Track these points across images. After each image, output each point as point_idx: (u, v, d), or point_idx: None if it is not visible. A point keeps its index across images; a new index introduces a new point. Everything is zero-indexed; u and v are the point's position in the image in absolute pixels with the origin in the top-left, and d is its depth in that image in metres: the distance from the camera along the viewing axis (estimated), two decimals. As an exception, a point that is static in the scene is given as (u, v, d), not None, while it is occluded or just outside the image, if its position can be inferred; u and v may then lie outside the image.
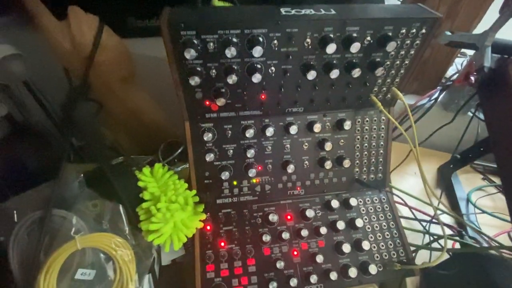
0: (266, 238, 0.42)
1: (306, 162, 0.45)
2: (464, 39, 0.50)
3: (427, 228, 0.55)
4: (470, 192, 0.69)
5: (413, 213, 0.54)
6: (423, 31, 0.36)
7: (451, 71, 0.74)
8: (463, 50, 0.75)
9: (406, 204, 0.52)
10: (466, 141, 0.72)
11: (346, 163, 0.45)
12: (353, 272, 0.41)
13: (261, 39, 0.33)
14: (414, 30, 0.36)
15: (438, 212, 0.59)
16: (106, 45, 0.43)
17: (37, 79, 0.57)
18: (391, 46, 0.35)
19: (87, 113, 0.45)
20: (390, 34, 0.35)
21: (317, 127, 0.43)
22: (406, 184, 0.70)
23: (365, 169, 0.48)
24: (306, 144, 0.45)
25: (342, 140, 0.46)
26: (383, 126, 0.47)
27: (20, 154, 0.78)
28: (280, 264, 0.41)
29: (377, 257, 0.44)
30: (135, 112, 0.54)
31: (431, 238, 0.51)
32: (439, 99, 0.71)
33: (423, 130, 0.66)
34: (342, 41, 0.35)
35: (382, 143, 0.48)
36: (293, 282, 0.40)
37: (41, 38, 0.44)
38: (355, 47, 0.34)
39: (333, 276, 0.41)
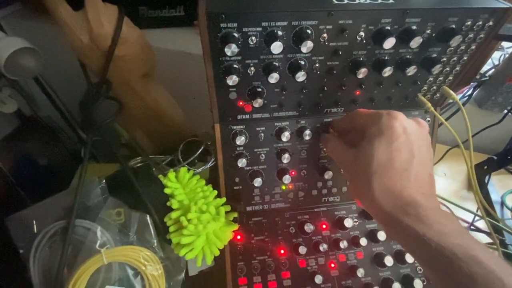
0: (302, 249, 0.39)
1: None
2: (517, 31, 0.46)
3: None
4: (504, 195, 0.65)
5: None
6: (490, 23, 0.32)
7: (486, 66, 0.70)
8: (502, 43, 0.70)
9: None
10: (499, 141, 0.67)
11: (388, 169, 0.41)
12: (396, 287, 0.38)
13: (310, 31, 0.29)
14: (480, 22, 0.31)
15: (476, 218, 0.56)
16: (126, 39, 0.39)
17: (50, 74, 0.54)
18: (455, 40, 0.31)
19: (107, 113, 0.41)
20: (454, 26, 0.31)
21: (358, 130, 0.39)
22: (436, 186, 0.67)
23: (405, 174, 0.44)
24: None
25: (383, 143, 0.42)
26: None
27: (30, 150, 0.75)
28: (318, 279, 0.38)
29: (420, 269, 0.41)
30: (155, 110, 0.50)
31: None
32: (473, 96, 0.66)
33: (456, 129, 0.62)
34: (399, 34, 0.30)
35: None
36: (332, 297, 0.37)
37: (55, 30, 0.41)
38: (415, 42, 0.30)
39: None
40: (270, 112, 0.38)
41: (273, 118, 0.38)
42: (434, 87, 0.39)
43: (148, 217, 0.36)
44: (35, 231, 0.34)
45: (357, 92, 0.37)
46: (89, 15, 0.38)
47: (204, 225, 0.34)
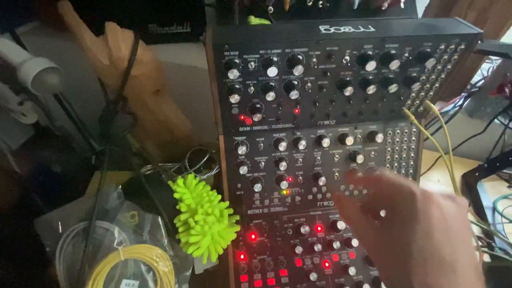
0: (299, 249, 0.43)
1: (337, 174, 0.46)
2: (496, 48, 0.50)
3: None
4: (496, 201, 0.68)
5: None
6: (462, 46, 0.36)
7: (476, 77, 0.73)
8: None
9: None
10: (488, 149, 0.70)
11: (377, 176, 0.45)
12: (386, 285, 0.41)
13: (301, 57, 0.33)
14: (453, 46, 0.35)
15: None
16: (141, 60, 0.44)
17: (71, 91, 0.59)
18: (430, 63, 0.35)
19: (124, 126, 0.46)
20: (428, 50, 0.35)
21: (349, 140, 0.43)
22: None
23: (394, 180, 0.48)
24: (337, 156, 0.45)
25: (373, 152, 0.46)
26: (413, 138, 0.47)
27: (45, 158, 0.80)
28: (313, 276, 0.41)
29: (409, 269, 0.44)
30: (164, 122, 0.55)
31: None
32: (464, 106, 0.70)
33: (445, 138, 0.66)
34: (380, 58, 0.35)
35: (412, 154, 0.48)
36: (325, 293, 0.41)
37: (72, 47, 0.46)
38: (394, 64, 0.34)
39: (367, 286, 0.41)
40: (269, 124, 0.42)
41: (271, 130, 0.43)
42: (417, 102, 0.43)
43: (159, 219, 0.40)
44: (60, 231, 0.38)
45: (347, 107, 0.41)
46: (109, 41, 0.43)
47: (210, 226, 0.38)
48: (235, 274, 0.42)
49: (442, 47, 0.35)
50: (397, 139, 0.46)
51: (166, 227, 0.40)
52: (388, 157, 0.47)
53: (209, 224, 0.38)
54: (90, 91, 0.54)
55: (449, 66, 0.38)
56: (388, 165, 0.47)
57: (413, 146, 0.47)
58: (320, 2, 0.39)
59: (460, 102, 0.70)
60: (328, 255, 0.44)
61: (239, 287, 0.41)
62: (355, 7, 0.41)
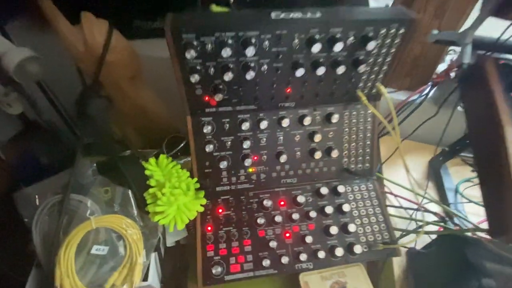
0: (261, 221, 0.47)
1: (298, 152, 0.49)
2: (448, 37, 0.54)
3: (414, 215, 0.58)
4: (459, 183, 0.72)
5: (398, 201, 0.58)
6: (402, 31, 0.40)
7: (441, 68, 0.77)
8: (453, 46, 0.78)
9: (391, 193, 0.56)
10: (457, 134, 0.74)
11: (335, 154, 0.49)
12: (340, 252, 0.45)
13: (253, 40, 0.37)
14: (393, 30, 0.39)
15: (426, 200, 0.63)
16: (115, 47, 0.48)
17: (51, 78, 0.62)
18: (371, 45, 0.39)
19: (99, 108, 0.49)
20: (370, 34, 0.39)
21: (307, 120, 0.47)
22: (398, 177, 0.74)
23: (353, 159, 0.52)
24: (298, 136, 0.49)
25: (331, 133, 0.50)
26: (369, 119, 0.51)
27: (33, 150, 0.83)
28: (273, 244, 0.45)
29: (363, 239, 0.48)
30: (141, 108, 0.58)
31: (416, 224, 0.55)
32: (430, 95, 0.74)
33: (415, 125, 0.70)
34: (326, 41, 0.38)
35: (369, 135, 0.51)
36: (285, 259, 0.44)
37: (56, 41, 0.49)
38: (338, 47, 0.38)
39: (321, 255, 0.45)
40: (233, 106, 0.46)
41: (236, 111, 0.46)
42: (369, 84, 0.46)
43: (130, 192, 0.43)
44: (37, 204, 0.41)
45: (303, 89, 0.45)
46: (84, 29, 0.46)
47: (176, 198, 0.41)
48: (202, 244, 0.45)
49: (383, 31, 0.39)
50: (354, 120, 0.50)
51: (137, 201, 0.43)
52: (346, 137, 0.50)
53: (175, 195, 0.41)
54: (74, 82, 0.57)
55: (393, 50, 0.42)
56: (345, 144, 0.51)
57: (368, 127, 0.51)
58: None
59: (426, 91, 0.75)
60: (289, 226, 0.48)
61: (205, 255, 0.44)
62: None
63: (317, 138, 0.48)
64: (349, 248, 0.46)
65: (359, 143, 0.51)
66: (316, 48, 0.37)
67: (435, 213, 0.58)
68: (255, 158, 0.48)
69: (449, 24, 0.66)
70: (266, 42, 0.37)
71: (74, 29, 0.46)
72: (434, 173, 0.74)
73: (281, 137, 0.48)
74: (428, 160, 0.79)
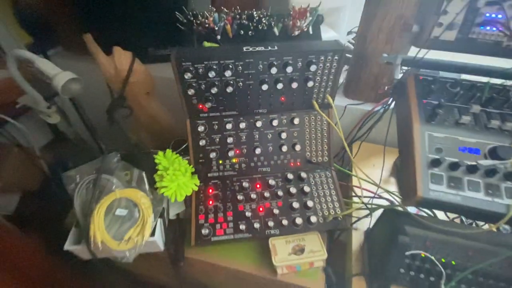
0: (241, 198, 0.61)
1: (270, 147, 0.65)
2: (388, 59, 0.70)
3: (371, 201, 0.72)
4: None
5: (353, 190, 0.72)
6: (336, 57, 0.56)
7: (400, 84, 0.93)
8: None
9: (358, 186, 0.70)
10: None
11: (297, 148, 0.64)
12: (299, 221, 0.59)
13: (230, 66, 0.54)
14: (329, 57, 0.56)
15: (381, 190, 0.76)
16: (136, 70, 0.66)
17: (86, 94, 0.81)
18: (313, 68, 0.55)
19: (123, 115, 0.67)
20: (313, 60, 0.55)
21: (275, 123, 0.63)
22: (367, 173, 0.88)
23: (314, 153, 0.67)
24: (270, 135, 0.65)
25: (295, 132, 0.65)
26: (325, 122, 0.66)
27: (63, 158, 1.01)
28: (248, 215, 0.59)
29: (319, 213, 0.61)
30: (154, 117, 0.75)
31: (371, 207, 0.68)
32: (392, 106, 0.89)
33: (383, 133, 0.84)
34: (281, 65, 0.55)
35: (325, 134, 0.67)
36: (256, 225, 0.58)
37: (85, 65, 0.68)
38: (289, 69, 0.55)
39: (286, 224, 0.59)
40: (220, 111, 0.62)
41: (222, 116, 0.63)
42: (321, 95, 0.62)
43: (143, 174, 0.59)
44: (77, 181, 0.58)
45: (270, 99, 0.61)
46: (115, 58, 0.65)
47: (176, 177, 0.57)
48: (195, 214, 0.60)
49: (323, 58, 0.56)
50: (313, 123, 0.66)
51: (148, 180, 0.59)
52: (307, 135, 0.66)
53: (176, 176, 0.57)
54: (102, 98, 0.75)
55: (333, 70, 0.58)
56: (307, 141, 0.66)
57: (325, 128, 0.66)
58: (250, 32, 0.60)
59: (389, 102, 0.90)
60: (262, 203, 0.62)
61: (198, 222, 0.59)
62: (277, 34, 0.63)
63: (284, 136, 0.64)
64: (308, 220, 0.60)
65: (318, 140, 0.67)
66: (274, 70, 0.54)
67: (386, 199, 0.72)
68: (237, 151, 0.64)
69: (398, 48, 0.82)
70: (240, 67, 0.55)
71: (109, 58, 0.65)
72: (396, 170, 0.87)
73: (257, 135, 0.64)
74: (393, 161, 0.93)
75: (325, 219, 0.61)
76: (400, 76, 0.63)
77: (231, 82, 0.57)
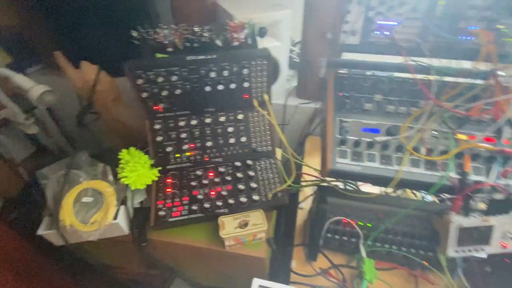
0: (194, 184, 0.71)
1: (221, 140, 0.75)
2: (319, 63, 0.82)
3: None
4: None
5: (297, 175, 0.82)
6: (265, 62, 0.68)
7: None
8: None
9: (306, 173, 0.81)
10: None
11: (243, 140, 0.75)
12: (244, 200, 0.69)
13: (176, 72, 0.65)
14: (259, 62, 0.68)
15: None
16: (101, 81, 0.76)
17: (64, 105, 0.90)
18: (246, 71, 0.67)
19: (91, 120, 0.76)
20: (246, 65, 0.67)
21: (222, 119, 0.74)
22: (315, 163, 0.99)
23: (259, 143, 0.78)
24: (219, 130, 0.75)
25: (241, 127, 0.76)
26: (267, 117, 0.77)
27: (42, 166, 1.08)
28: (200, 197, 0.69)
29: (262, 193, 0.72)
30: (122, 121, 0.85)
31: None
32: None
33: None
34: (220, 70, 0.67)
35: (268, 127, 0.78)
36: (207, 205, 0.68)
37: (62, 80, 0.78)
38: (225, 73, 0.66)
39: (231, 202, 0.69)
40: (174, 111, 0.73)
41: (177, 115, 0.74)
42: (259, 94, 0.74)
43: (108, 167, 0.69)
44: (50, 177, 0.67)
45: (215, 99, 0.72)
46: (83, 71, 0.75)
47: (136, 168, 0.67)
48: (155, 200, 0.70)
49: (254, 62, 0.68)
50: (256, 118, 0.77)
51: (113, 172, 0.69)
52: (252, 129, 0.77)
53: (136, 167, 0.67)
54: (76, 111, 0.85)
55: (265, 73, 0.70)
56: (252, 134, 0.77)
57: (267, 122, 0.78)
58: (195, 44, 0.72)
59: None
60: (214, 188, 0.72)
61: (156, 206, 0.69)
62: (220, 44, 0.75)
63: (230, 130, 0.74)
64: (251, 198, 0.70)
65: (262, 133, 0.78)
66: (213, 74, 0.66)
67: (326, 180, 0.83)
68: (192, 145, 0.75)
69: (330, 53, 0.96)
70: (185, 73, 0.66)
71: (77, 71, 0.75)
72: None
73: (208, 131, 0.75)
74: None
75: (267, 198, 0.71)
76: (323, 75, 0.75)
77: (179, 85, 0.68)
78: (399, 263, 0.66)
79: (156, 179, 0.71)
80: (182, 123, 0.73)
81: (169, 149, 0.73)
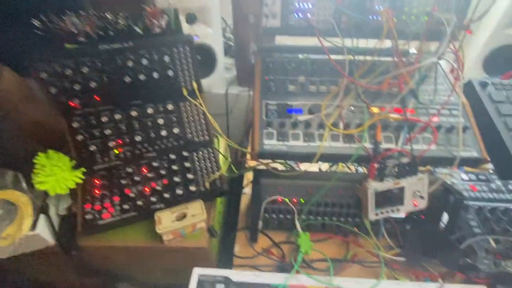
0: (126, 183, 0.67)
1: (152, 134, 0.72)
2: (252, 48, 0.82)
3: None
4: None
5: (243, 162, 0.83)
6: (187, 48, 0.66)
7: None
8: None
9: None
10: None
11: (175, 130, 0.72)
12: (180, 192, 0.68)
13: (88, 63, 0.60)
14: (181, 48, 0.65)
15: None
16: (5, 78, 0.67)
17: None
18: (167, 59, 0.64)
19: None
20: (167, 52, 0.64)
21: (150, 111, 0.70)
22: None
23: (195, 133, 0.76)
24: (149, 122, 0.72)
25: (173, 118, 0.73)
26: (200, 106, 0.76)
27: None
28: (133, 195, 0.66)
29: (201, 183, 0.71)
30: (38, 122, 0.77)
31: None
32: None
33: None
34: (138, 59, 0.63)
35: (202, 116, 0.76)
36: (140, 203, 0.65)
37: None
38: (144, 62, 0.63)
39: (167, 196, 0.67)
40: (94, 107, 0.67)
41: (98, 110, 0.68)
42: (188, 83, 0.72)
43: (20, 175, 0.62)
44: None
45: (142, 90, 0.68)
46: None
47: (54, 172, 0.61)
48: (82, 204, 0.64)
49: (175, 49, 0.65)
50: (189, 108, 0.75)
51: (27, 179, 0.62)
52: (186, 119, 0.74)
53: (53, 171, 0.61)
54: None
55: (189, 59, 0.68)
56: (187, 124, 0.75)
57: (201, 111, 0.76)
58: (111, 32, 0.67)
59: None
60: (148, 184, 0.69)
61: (83, 211, 0.64)
62: (141, 32, 0.70)
63: (161, 122, 0.71)
64: (189, 190, 0.69)
65: (196, 122, 0.76)
66: (131, 63, 0.62)
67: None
68: (120, 141, 0.70)
69: (263, 39, 0.96)
70: (99, 63, 0.61)
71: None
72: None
73: (136, 125, 0.71)
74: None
75: (205, 188, 0.70)
76: (253, 61, 0.75)
77: (94, 78, 0.62)
78: (334, 232, 0.71)
79: (80, 181, 0.65)
80: (105, 119, 0.67)
81: (93, 148, 0.67)
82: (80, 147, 0.67)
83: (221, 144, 0.95)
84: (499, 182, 0.79)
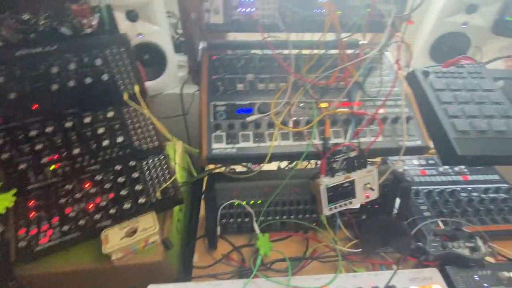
0: (65, 201, 0.61)
1: (93, 145, 0.66)
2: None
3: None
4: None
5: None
6: (123, 48, 0.60)
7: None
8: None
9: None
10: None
11: (119, 139, 0.67)
12: (127, 206, 0.63)
13: (2, 71, 0.52)
14: (115, 50, 0.60)
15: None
16: None
17: None
18: (99, 62, 0.58)
19: None
20: (99, 54, 0.58)
21: (88, 120, 0.64)
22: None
23: (143, 140, 0.70)
24: (88, 132, 0.65)
25: (115, 126, 0.67)
26: (140, 110, 0.70)
27: None
28: (73, 215, 0.60)
29: (152, 194, 0.66)
30: None
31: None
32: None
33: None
34: (63, 63, 0.56)
35: (149, 121, 0.71)
36: (82, 222, 0.60)
37: None
38: (72, 66, 0.56)
39: (113, 211, 0.62)
40: (19, 120, 0.59)
41: (25, 124, 0.60)
42: (129, 87, 0.66)
43: None
44: None
45: (77, 98, 0.62)
46: None
47: (-27, 198, 0.53)
48: (15, 230, 0.57)
49: (108, 51, 0.59)
50: (133, 114, 0.69)
51: None
52: (131, 126, 0.69)
53: (-28, 197, 0.53)
54: None
55: (126, 61, 0.62)
56: (132, 131, 0.69)
57: (147, 116, 0.71)
58: (32, 35, 0.59)
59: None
60: (92, 200, 0.63)
61: (17, 238, 0.57)
62: (68, 33, 0.63)
63: (101, 131, 0.65)
64: (138, 203, 0.64)
65: (143, 128, 0.71)
66: (55, 69, 0.55)
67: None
68: (56, 156, 0.63)
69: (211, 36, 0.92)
70: (17, 71, 0.53)
71: None
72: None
73: (74, 136, 0.64)
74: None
75: (157, 199, 0.66)
76: (200, 58, 0.71)
77: (13, 87, 0.55)
78: (294, 230, 0.71)
79: (11, 204, 0.58)
80: (34, 133, 0.60)
81: (22, 166, 0.60)
82: (7, 166, 0.60)
83: (178, 149, 0.90)
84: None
